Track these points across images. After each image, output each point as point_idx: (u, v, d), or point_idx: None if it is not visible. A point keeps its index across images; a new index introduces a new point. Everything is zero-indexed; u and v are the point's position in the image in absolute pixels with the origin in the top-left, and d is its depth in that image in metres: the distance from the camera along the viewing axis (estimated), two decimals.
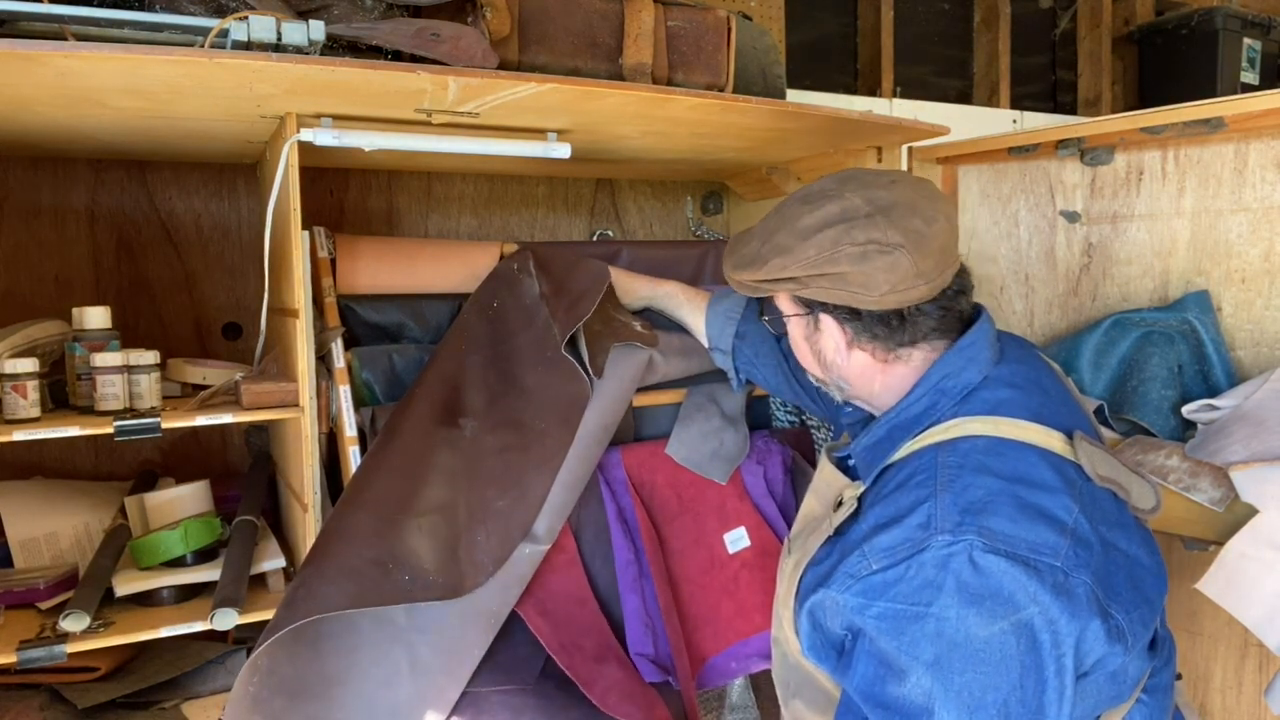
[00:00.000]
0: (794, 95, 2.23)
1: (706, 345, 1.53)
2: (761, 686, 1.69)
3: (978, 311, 1.15)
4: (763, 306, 1.23)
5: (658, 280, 1.60)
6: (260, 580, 1.41)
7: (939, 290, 1.05)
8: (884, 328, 1.07)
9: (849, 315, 1.08)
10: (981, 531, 0.92)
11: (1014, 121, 3.16)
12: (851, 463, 1.16)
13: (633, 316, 1.49)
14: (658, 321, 1.60)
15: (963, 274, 1.10)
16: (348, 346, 1.44)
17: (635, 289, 1.59)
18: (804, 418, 1.76)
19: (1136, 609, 0.97)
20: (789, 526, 1.60)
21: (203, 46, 1.14)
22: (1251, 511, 1.28)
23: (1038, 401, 1.05)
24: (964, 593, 0.91)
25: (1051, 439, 1.01)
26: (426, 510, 1.28)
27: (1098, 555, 0.94)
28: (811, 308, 1.12)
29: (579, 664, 1.31)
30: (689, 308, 1.54)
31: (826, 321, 1.11)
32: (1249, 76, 3.39)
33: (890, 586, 0.95)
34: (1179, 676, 1.15)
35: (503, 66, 1.38)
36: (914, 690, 0.92)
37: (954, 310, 1.08)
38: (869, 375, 1.12)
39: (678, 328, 1.59)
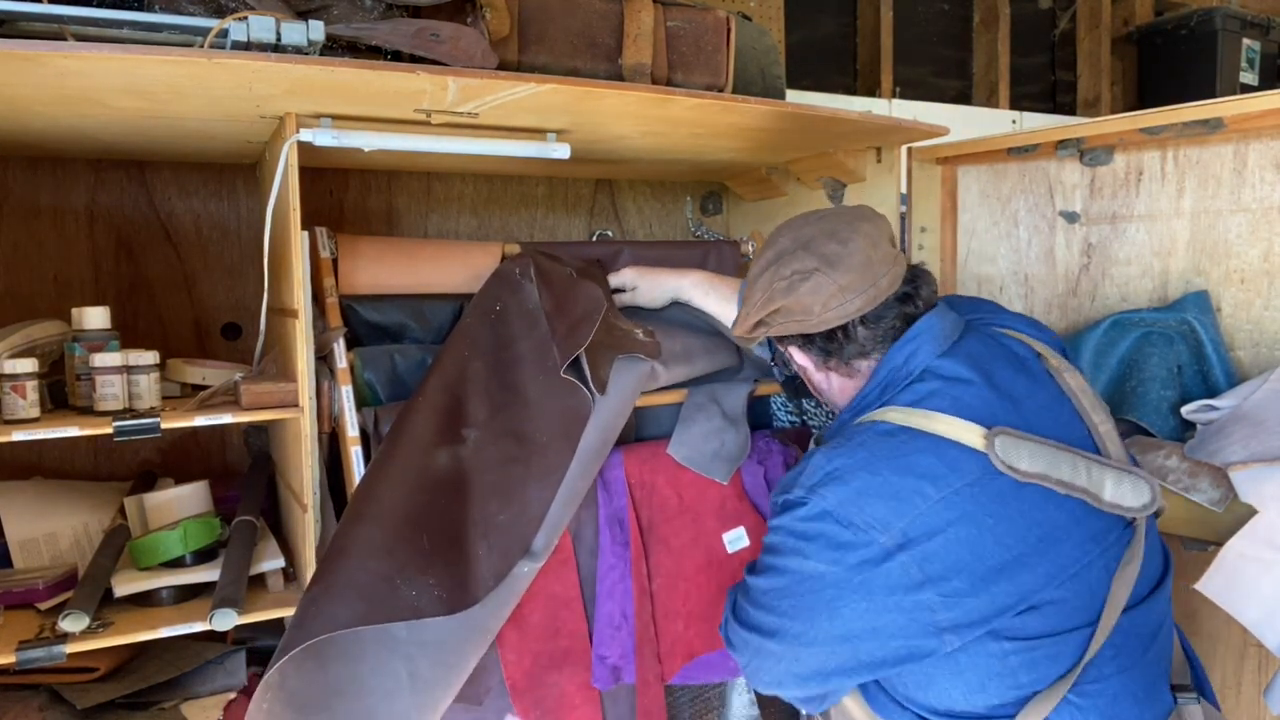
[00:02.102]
0: (793, 95, 2.23)
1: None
2: None
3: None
4: (774, 354, 1.36)
5: (682, 271, 1.59)
6: (260, 580, 1.41)
7: (878, 300, 1.14)
8: (834, 344, 1.18)
9: (804, 342, 1.21)
10: (826, 497, 1.05)
11: (1013, 122, 3.16)
12: None
13: (634, 324, 1.48)
14: (668, 317, 1.60)
15: (916, 280, 1.19)
16: (349, 347, 1.44)
17: (660, 283, 1.59)
18: (804, 417, 1.76)
19: (973, 595, 1.01)
20: None
21: (202, 47, 1.14)
22: (1251, 512, 1.28)
23: (973, 394, 1.10)
24: (793, 534, 1.09)
25: (966, 431, 1.06)
26: (431, 524, 1.27)
27: (939, 541, 1.01)
28: (783, 343, 1.26)
29: (520, 677, 1.37)
30: (714, 298, 1.54)
31: (794, 352, 1.25)
32: (1248, 77, 3.40)
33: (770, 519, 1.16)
34: (1199, 700, 1.12)
35: (502, 67, 1.38)
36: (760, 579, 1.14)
37: (905, 314, 1.17)
38: (848, 393, 1.22)
39: (685, 325, 1.59)
